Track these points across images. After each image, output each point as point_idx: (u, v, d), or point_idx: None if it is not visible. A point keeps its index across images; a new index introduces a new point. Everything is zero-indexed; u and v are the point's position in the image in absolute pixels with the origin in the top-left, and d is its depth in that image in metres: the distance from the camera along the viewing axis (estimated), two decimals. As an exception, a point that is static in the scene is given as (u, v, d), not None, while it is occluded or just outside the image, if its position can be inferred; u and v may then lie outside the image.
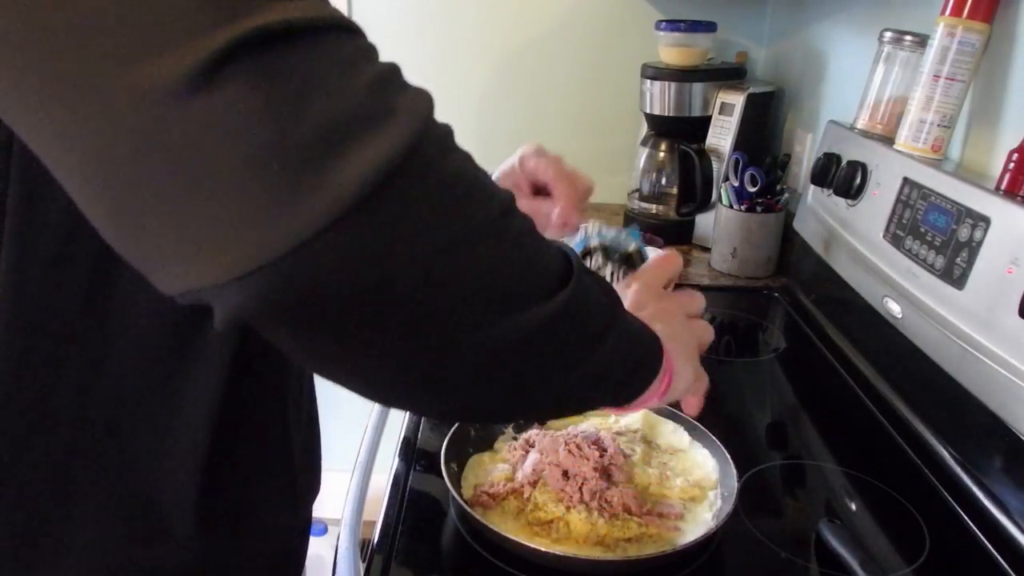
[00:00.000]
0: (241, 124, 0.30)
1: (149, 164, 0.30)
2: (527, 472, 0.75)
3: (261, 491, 0.57)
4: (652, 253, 0.66)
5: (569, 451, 0.74)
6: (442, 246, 0.35)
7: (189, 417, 0.49)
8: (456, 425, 0.80)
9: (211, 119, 0.30)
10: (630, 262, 0.75)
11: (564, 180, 0.74)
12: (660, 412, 0.86)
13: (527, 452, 0.78)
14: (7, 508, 0.46)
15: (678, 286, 0.67)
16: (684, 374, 0.57)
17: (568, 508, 0.70)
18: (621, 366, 0.48)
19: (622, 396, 0.52)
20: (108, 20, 0.30)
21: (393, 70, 0.36)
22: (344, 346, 0.36)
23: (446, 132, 0.37)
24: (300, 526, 0.63)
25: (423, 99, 0.36)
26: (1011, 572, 0.71)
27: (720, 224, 1.38)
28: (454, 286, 0.36)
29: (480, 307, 0.37)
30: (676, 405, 0.64)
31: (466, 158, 0.38)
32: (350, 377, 0.38)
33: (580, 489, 0.72)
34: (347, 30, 0.35)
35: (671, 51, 1.50)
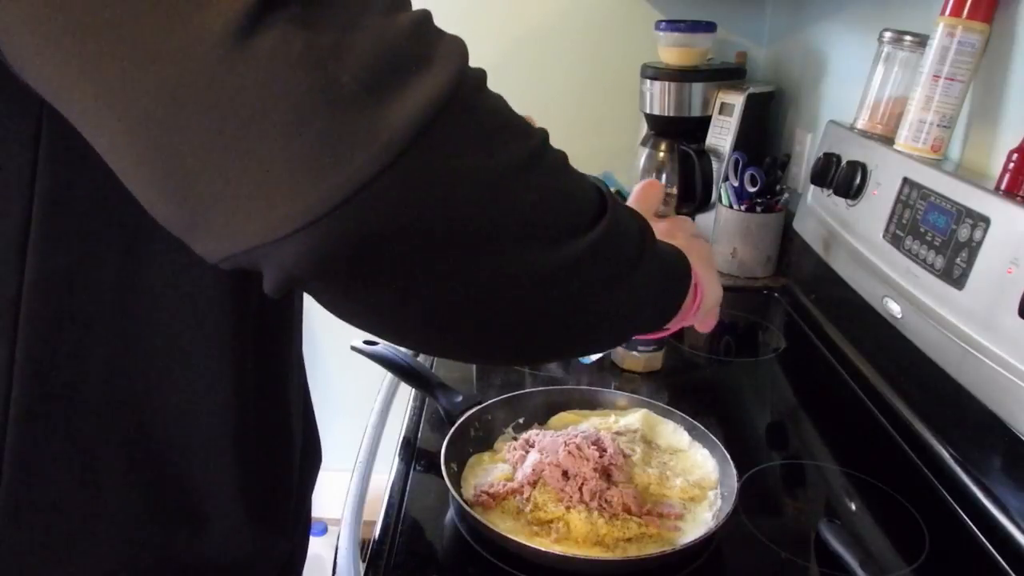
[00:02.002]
0: (286, 72, 0.30)
1: (196, 120, 0.30)
2: (527, 472, 0.75)
3: (286, 477, 0.57)
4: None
5: (569, 451, 0.74)
6: (489, 180, 0.35)
7: (214, 400, 0.49)
8: (456, 425, 0.80)
9: (255, 69, 0.30)
10: None
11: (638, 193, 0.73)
12: (660, 412, 0.86)
13: (527, 452, 0.78)
14: (33, 494, 0.45)
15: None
16: (712, 285, 0.59)
17: (568, 508, 0.70)
18: (658, 285, 0.51)
19: (662, 315, 0.54)
20: None
21: (427, 17, 0.36)
22: (397, 293, 0.36)
23: (482, 74, 0.38)
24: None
25: (458, 43, 0.36)
26: (1011, 572, 0.71)
27: (720, 224, 1.38)
28: (504, 219, 0.36)
29: (528, 238, 0.38)
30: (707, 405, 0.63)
31: (500, 98, 0.39)
32: (398, 326, 0.39)
33: (580, 489, 0.72)
34: None
35: (671, 51, 1.50)
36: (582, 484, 0.72)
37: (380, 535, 0.71)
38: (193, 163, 0.31)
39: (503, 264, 0.37)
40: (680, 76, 1.48)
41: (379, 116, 0.31)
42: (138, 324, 0.45)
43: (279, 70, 0.30)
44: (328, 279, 0.34)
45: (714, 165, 1.46)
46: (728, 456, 0.77)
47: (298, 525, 0.62)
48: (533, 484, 0.73)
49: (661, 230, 0.57)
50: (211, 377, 0.49)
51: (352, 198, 0.31)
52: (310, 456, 0.65)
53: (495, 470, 0.77)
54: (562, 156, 0.42)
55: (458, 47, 0.36)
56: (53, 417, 0.45)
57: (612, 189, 0.77)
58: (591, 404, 0.89)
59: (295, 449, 0.60)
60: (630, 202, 0.64)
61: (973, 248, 0.80)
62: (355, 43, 0.32)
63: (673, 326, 0.57)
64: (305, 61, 0.30)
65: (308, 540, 0.66)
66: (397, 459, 0.83)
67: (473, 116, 0.35)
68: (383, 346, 0.92)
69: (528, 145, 0.38)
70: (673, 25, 1.48)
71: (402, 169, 0.32)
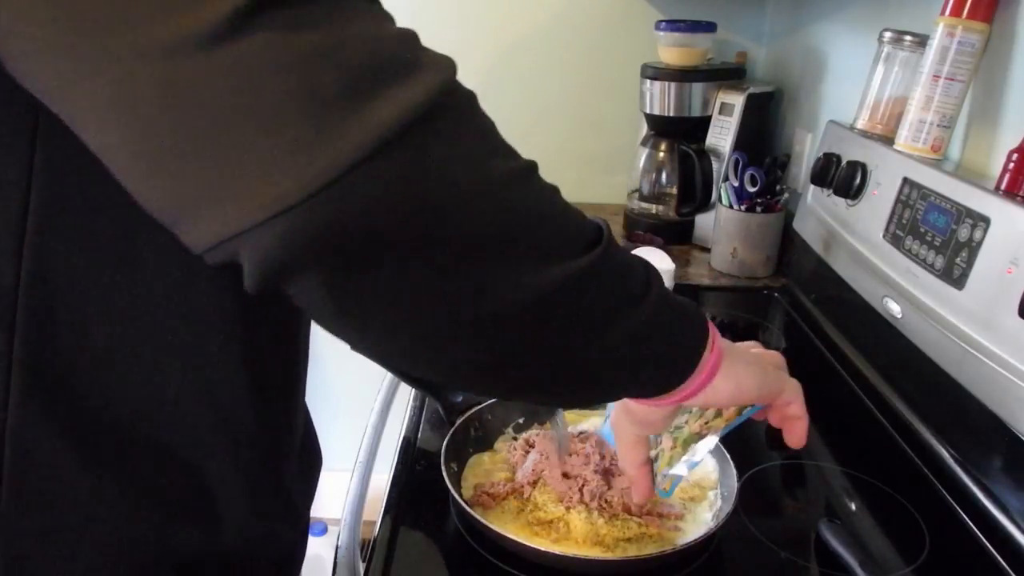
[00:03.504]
0: (268, 71, 0.31)
1: (180, 117, 0.31)
2: (527, 472, 0.75)
3: (287, 468, 0.57)
4: None
5: (569, 452, 0.74)
6: (475, 187, 0.36)
7: (213, 393, 0.49)
8: (456, 425, 0.80)
9: (237, 69, 0.31)
10: None
11: None
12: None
13: (527, 452, 0.78)
14: (33, 481, 0.45)
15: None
16: (743, 359, 0.53)
17: (568, 508, 0.70)
18: (664, 327, 0.46)
19: (667, 368, 0.49)
20: None
21: (414, 33, 0.37)
22: (374, 293, 0.36)
23: (473, 94, 0.38)
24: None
25: (447, 58, 0.37)
26: (1011, 572, 0.71)
27: (720, 224, 1.38)
28: (487, 227, 0.36)
29: (511, 253, 0.37)
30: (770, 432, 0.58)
31: (491, 121, 0.39)
32: (376, 336, 0.39)
33: (580, 489, 0.72)
34: None
35: (671, 51, 1.50)
36: (582, 484, 0.72)
37: (380, 535, 0.71)
38: (178, 158, 0.32)
39: (484, 275, 0.37)
40: (680, 76, 1.48)
41: (361, 114, 0.32)
42: (135, 318, 0.45)
43: (261, 71, 0.31)
44: (303, 269, 0.34)
45: (714, 165, 1.46)
46: (728, 456, 0.77)
47: (298, 520, 0.62)
48: (533, 484, 0.73)
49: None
50: (210, 371, 0.49)
51: (328, 186, 0.32)
52: (309, 449, 0.65)
53: (495, 470, 0.77)
54: (553, 186, 0.42)
55: (447, 61, 0.37)
56: (53, 404, 0.45)
57: None
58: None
59: (296, 439, 0.60)
60: None
61: (973, 248, 0.80)
62: (343, 45, 0.33)
63: (679, 396, 0.50)
64: (288, 63, 0.32)
65: (307, 536, 0.66)
66: (397, 459, 0.83)
67: (462, 125, 0.36)
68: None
69: (518, 164, 0.38)
70: (673, 25, 1.48)
71: (380, 164, 0.32)
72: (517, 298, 0.38)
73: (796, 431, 0.58)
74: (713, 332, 0.51)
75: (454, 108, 0.36)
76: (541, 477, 0.74)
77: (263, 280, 0.34)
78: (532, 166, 0.40)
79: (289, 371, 0.56)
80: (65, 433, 0.45)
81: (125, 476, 0.48)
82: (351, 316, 0.38)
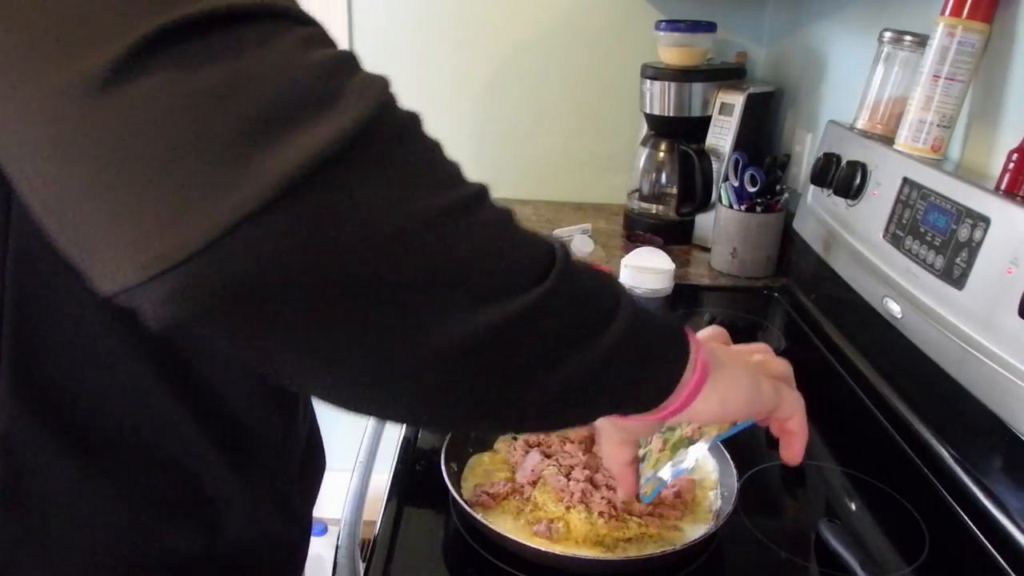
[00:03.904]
0: (159, 117, 0.30)
1: (63, 162, 0.30)
2: (527, 472, 0.75)
3: (290, 468, 0.57)
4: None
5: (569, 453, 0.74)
6: (391, 232, 0.33)
7: (210, 402, 0.49)
8: (460, 430, 0.79)
9: (127, 113, 0.29)
10: None
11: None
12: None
13: (527, 452, 0.78)
14: (26, 483, 0.46)
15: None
16: (732, 375, 0.51)
17: (568, 508, 0.70)
18: (630, 360, 0.44)
19: (640, 394, 0.47)
20: (40, 17, 0.30)
21: (346, 57, 0.35)
22: (283, 343, 0.34)
23: (409, 118, 0.36)
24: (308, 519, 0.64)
25: (377, 83, 0.35)
26: (1011, 572, 0.71)
27: (720, 224, 1.38)
28: (406, 276, 0.34)
29: (437, 298, 0.35)
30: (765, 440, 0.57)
31: (430, 147, 0.37)
32: (305, 379, 0.37)
33: (580, 489, 0.72)
34: (295, 18, 0.34)
35: (671, 51, 1.50)
36: (583, 485, 0.72)
37: (380, 535, 0.71)
38: (69, 207, 0.31)
39: (407, 322, 0.35)
40: (680, 76, 1.48)
41: (258, 161, 0.30)
42: (118, 329, 0.45)
43: (151, 117, 0.30)
44: (197, 323, 0.32)
45: (714, 165, 1.46)
46: (728, 456, 0.77)
47: (300, 522, 0.62)
48: (533, 484, 0.73)
49: (704, 336, 0.54)
50: (198, 381, 0.49)
51: (213, 244, 0.30)
52: (313, 453, 0.65)
53: (495, 470, 0.77)
54: (503, 213, 0.39)
55: (375, 89, 0.34)
56: (44, 410, 0.45)
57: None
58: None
59: (299, 444, 0.60)
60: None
61: (973, 248, 0.80)
62: (248, 84, 0.31)
63: (662, 413, 0.49)
64: (181, 106, 0.30)
65: (309, 538, 0.66)
66: (397, 459, 0.83)
67: (383, 163, 0.33)
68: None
69: (454, 196, 0.36)
70: (673, 25, 1.48)
71: (276, 216, 0.30)
72: (449, 342, 0.36)
73: (793, 447, 0.57)
74: (695, 350, 0.49)
75: (373, 145, 0.33)
76: (541, 477, 0.74)
77: (163, 331, 0.32)
78: (475, 195, 0.37)
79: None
80: (57, 439, 0.45)
81: (120, 482, 0.48)
82: (271, 364, 0.35)
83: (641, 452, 0.64)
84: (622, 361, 0.43)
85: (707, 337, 0.60)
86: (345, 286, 0.33)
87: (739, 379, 0.52)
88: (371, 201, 0.33)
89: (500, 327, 0.37)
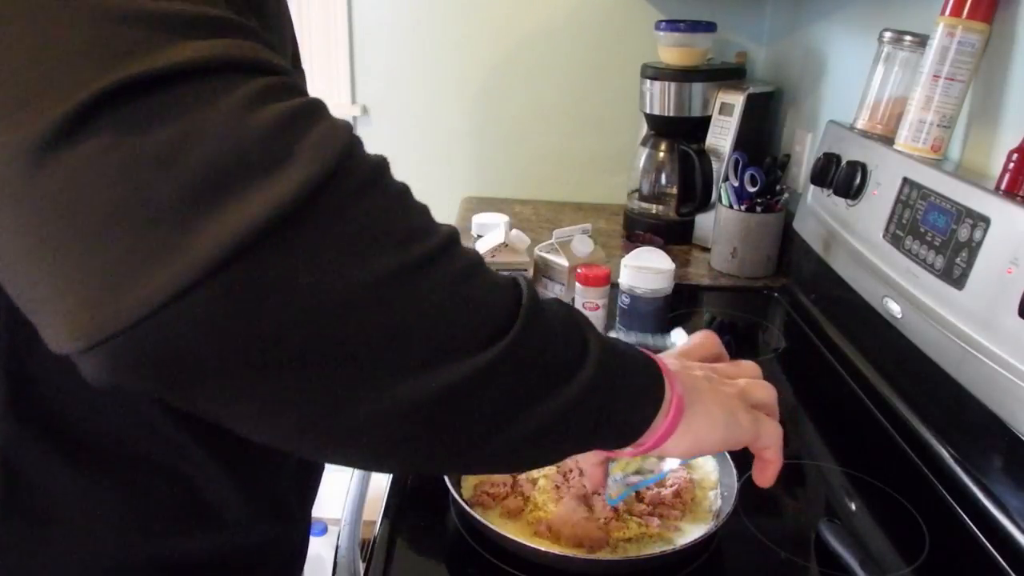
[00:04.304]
0: (98, 183, 0.29)
1: (9, 227, 0.29)
2: (529, 472, 0.75)
3: (293, 476, 0.57)
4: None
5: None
6: (337, 299, 0.32)
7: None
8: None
9: (66, 178, 0.29)
10: None
11: None
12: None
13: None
14: (24, 492, 0.46)
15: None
16: (707, 412, 0.50)
17: (568, 509, 0.70)
18: (599, 405, 0.43)
19: (612, 435, 0.46)
20: None
21: (305, 109, 0.33)
22: (233, 408, 0.34)
23: (372, 168, 0.34)
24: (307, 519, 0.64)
25: (337, 136, 0.33)
26: (1011, 572, 0.71)
27: (720, 224, 1.38)
28: (353, 342, 0.33)
29: (386, 363, 0.34)
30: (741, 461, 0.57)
31: (395, 196, 0.35)
32: (250, 434, 0.36)
33: (582, 491, 0.71)
34: (252, 69, 0.33)
35: (671, 51, 1.50)
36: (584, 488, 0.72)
37: (380, 535, 0.71)
38: (17, 269, 0.31)
39: (351, 387, 0.34)
40: (680, 76, 1.48)
41: (196, 231, 0.29)
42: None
43: (88, 182, 0.29)
44: (135, 388, 0.32)
45: (714, 165, 1.46)
46: (728, 456, 0.77)
47: (298, 524, 0.62)
48: (533, 484, 0.73)
49: (688, 365, 0.53)
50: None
51: (146, 319, 0.29)
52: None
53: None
54: (467, 261, 0.38)
55: (333, 143, 0.32)
56: (40, 419, 0.45)
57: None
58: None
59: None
60: (677, 349, 0.59)
61: (973, 248, 0.80)
62: (191, 147, 0.30)
63: (640, 445, 0.48)
64: (120, 172, 0.29)
65: (308, 539, 0.66)
66: (397, 459, 0.83)
67: (337, 221, 0.32)
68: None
69: (411, 252, 0.34)
70: (673, 25, 1.48)
71: (212, 289, 0.29)
72: (401, 402, 0.35)
73: (766, 473, 0.56)
74: (670, 389, 0.48)
75: (327, 204, 0.31)
76: (541, 477, 0.74)
77: (106, 390, 0.32)
78: (439, 247, 0.36)
79: None
80: (53, 449, 0.45)
81: (117, 489, 0.48)
82: (209, 416, 0.35)
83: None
84: (590, 405, 0.42)
85: (697, 345, 0.59)
86: (281, 354, 0.32)
87: (715, 417, 0.50)
88: (319, 265, 0.32)
89: (457, 386, 0.36)
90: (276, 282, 0.31)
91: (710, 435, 0.50)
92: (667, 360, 0.52)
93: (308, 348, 0.32)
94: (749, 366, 0.58)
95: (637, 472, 0.75)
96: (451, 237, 0.37)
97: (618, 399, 0.45)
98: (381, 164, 0.35)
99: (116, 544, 0.48)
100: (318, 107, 0.34)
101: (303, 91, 0.34)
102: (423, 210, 0.37)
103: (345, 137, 0.33)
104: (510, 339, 0.37)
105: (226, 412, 0.34)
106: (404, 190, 0.36)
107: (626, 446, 0.48)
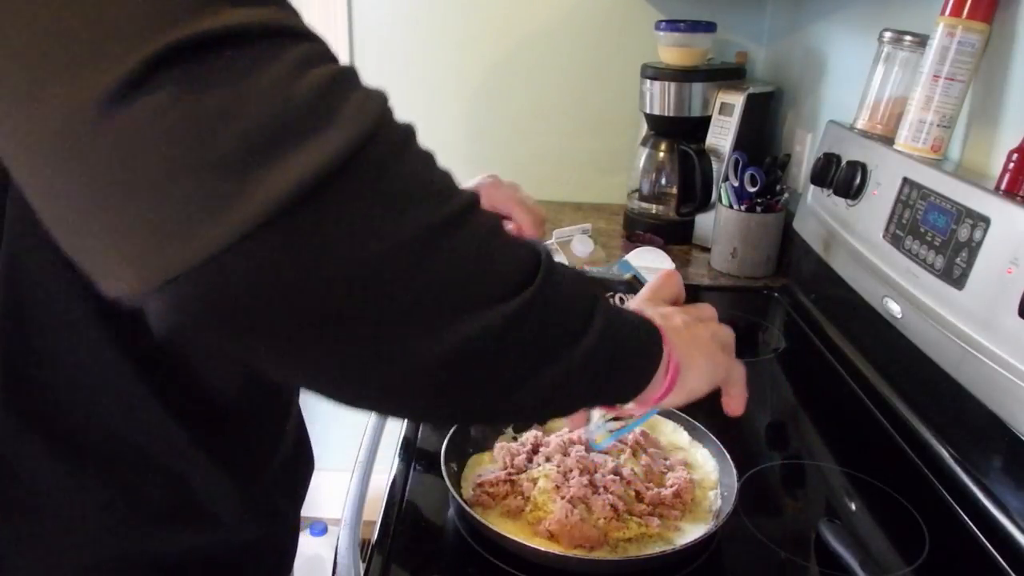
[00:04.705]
0: (162, 134, 0.30)
1: (75, 176, 0.31)
2: (531, 473, 0.75)
3: (283, 476, 0.57)
4: (651, 277, 0.66)
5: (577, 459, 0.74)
6: (381, 252, 0.34)
7: (194, 409, 0.49)
8: (456, 425, 0.80)
9: (133, 130, 0.30)
10: (633, 289, 0.75)
11: (522, 208, 0.78)
12: (660, 411, 0.86)
13: (528, 454, 0.78)
14: (15, 487, 0.46)
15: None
16: (696, 366, 0.55)
17: (568, 511, 0.70)
18: (608, 361, 0.46)
19: (617, 391, 0.50)
20: (51, 31, 0.30)
21: (344, 74, 0.35)
22: (288, 354, 0.36)
23: (404, 132, 0.37)
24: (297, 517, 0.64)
25: (374, 101, 0.36)
26: (1011, 572, 0.71)
27: (720, 224, 1.38)
28: (397, 291, 0.35)
29: (429, 311, 0.37)
30: (707, 405, 0.61)
31: (424, 159, 0.38)
32: (308, 383, 0.38)
33: (582, 491, 0.71)
34: (294, 35, 0.35)
35: (671, 51, 1.50)
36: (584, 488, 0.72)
37: (380, 535, 0.71)
38: (76, 218, 0.32)
39: (401, 333, 0.36)
40: (680, 76, 1.48)
41: (256, 179, 0.31)
42: (102, 339, 0.45)
43: (156, 132, 0.30)
44: (198, 332, 0.34)
45: (714, 165, 1.46)
46: (728, 456, 0.77)
47: (288, 524, 0.62)
48: (533, 483, 0.73)
49: (658, 313, 0.56)
50: (183, 390, 0.49)
51: (213, 259, 0.31)
52: (301, 455, 0.65)
53: (495, 470, 0.77)
54: (487, 223, 0.40)
55: (371, 106, 0.35)
56: (33, 415, 0.45)
57: (628, 275, 0.76)
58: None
59: (286, 447, 0.60)
60: (647, 290, 0.62)
61: (973, 248, 0.80)
62: (248, 104, 0.32)
63: (642, 404, 0.53)
64: (182, 125, 0.31)
65: (297, 539, 0.66)
66: (397, 459, 0.83)
67: (376, 181, 0.34)
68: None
69: (442, 211, 0.37)
70: (673, 25, 1.48)
71: (272, 235, 0.32)
72: (444, 350, 0.37)
73: (736, 403, 0.61)
74: (668, 349, 0.52)
75: (370, 162, 0.34)
76: (541, 476, 0.74)
77: (167, 335, 0.34)
78: (462, 207, 0.38)
79: (272, 385, 0.56)
80: (47, 444, 0.46)
81: (110, 485, 0.48)
82: (275, 368, 0.37)
83: None
84: (600, 360, 0.46)
85: (664, 285, 0.63)
86: (336, 301, 0.34)
87: (702, 369, 0.55)
88: (366, 218, 0.34)
89: (495, 331, 0.39)
90: (329, 233, 0.33)
91: (700, 387, 0.56)
92: (642, 307, 0.57)
93: (358, 296, 0.34)
94: (707, 307, 0.62)
95: (616, 419, 0.75)
96: (476, 197, 0.40)
97: (625, 352, 0.49)
98: (412, 129, 0.38)
99: (107, 539, 0.49)
100: (353, 73, 0.36)
101: (335, 58, 0.36)
102: (448, 172, 0.40)
103: (382, 101, 0.36)
104: (536, 287, 0.41)
105: (283, 362, 0.36)
106: (432, 154, 0.39)
107: (631, 399, 0.52)
